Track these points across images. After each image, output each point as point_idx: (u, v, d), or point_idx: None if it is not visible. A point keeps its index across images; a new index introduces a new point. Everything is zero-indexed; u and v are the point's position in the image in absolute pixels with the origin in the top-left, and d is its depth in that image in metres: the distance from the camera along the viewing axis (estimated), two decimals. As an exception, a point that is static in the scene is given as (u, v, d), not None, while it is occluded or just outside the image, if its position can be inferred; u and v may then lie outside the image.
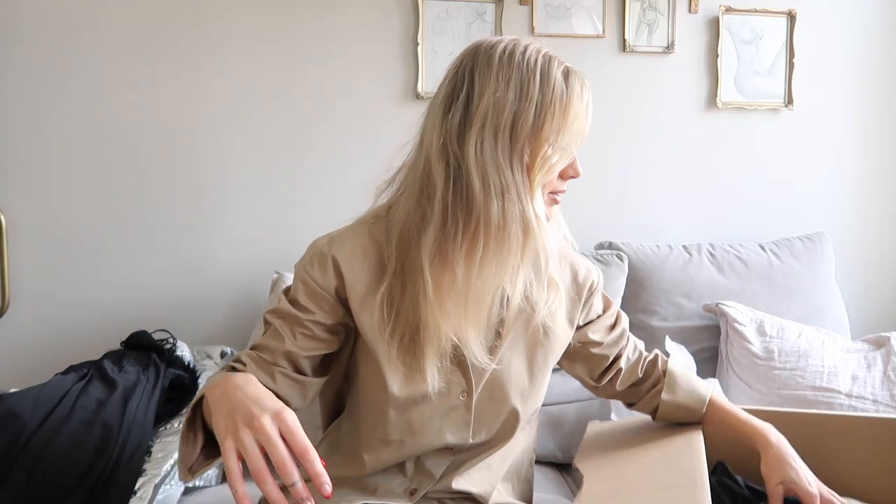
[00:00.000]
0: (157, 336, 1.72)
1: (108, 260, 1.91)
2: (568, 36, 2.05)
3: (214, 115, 1.93)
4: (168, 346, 1.68)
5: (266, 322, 0.99)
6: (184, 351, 1.68)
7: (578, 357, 1.14)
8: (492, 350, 1.00)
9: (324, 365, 1.02)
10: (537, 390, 1.06)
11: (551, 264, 0.97)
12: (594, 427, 1.14)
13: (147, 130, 1.91)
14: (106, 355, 1.63)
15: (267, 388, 0.84)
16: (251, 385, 0.80)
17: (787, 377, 1.78)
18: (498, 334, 1.01)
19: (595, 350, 1.13)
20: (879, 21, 2.23)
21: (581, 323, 1.12)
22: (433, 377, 0.94)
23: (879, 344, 1.85)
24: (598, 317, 1.14)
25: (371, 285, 0.96)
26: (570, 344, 1.11)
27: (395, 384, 0.96)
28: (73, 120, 1.87)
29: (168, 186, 1.92)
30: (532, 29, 2.03)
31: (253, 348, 0.97)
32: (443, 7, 1.99)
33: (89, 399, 1.44)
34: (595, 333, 1.13)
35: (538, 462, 1.74)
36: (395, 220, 0.95)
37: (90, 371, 1.53)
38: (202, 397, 0.85)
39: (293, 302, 0.98)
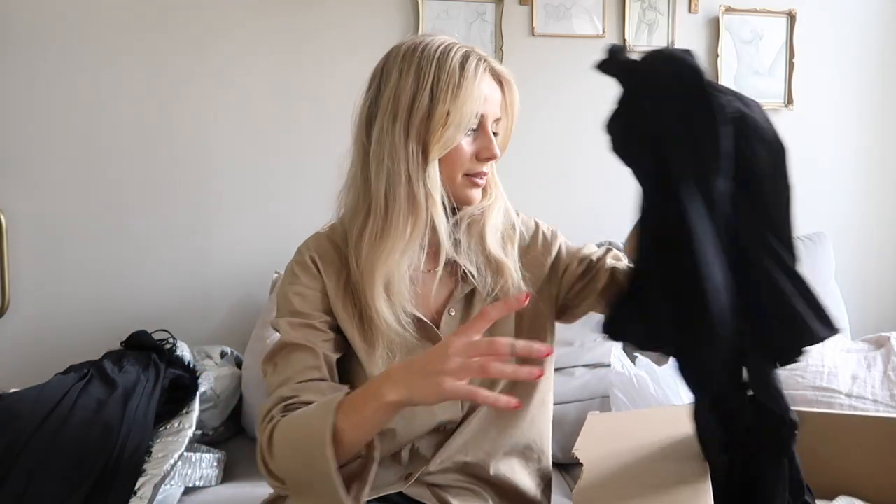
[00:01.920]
0: (157, 336, 1.72)
1: (108, 260, 1.91)
2: (568, 36, 2.05)
3: (215, 116, 1.93)
4: (168, 346, 1.68)
5: (273, 360, 0.97)
6: (184, 351, 1.68)
7: (582, 295, 1.11)
8: (465, 322, 1.03)
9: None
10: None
11: (489, 244, 1.02)
12: (594, 417, 1.14)
13: (147, 131, 1.91)
14: (106, 355, 1.62)
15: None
16: (404, 363, 0.83)
17: (787, 377, 1.78)
18: (468, 306, 1.04)
19: (582, 273, 1.12)
20: (879, 21, 2.23)
21: (561, 271, 1.11)
22: (401, 357, 0.97)
23: (879, 344, 1.85)
24: (566, 251, 1.15)
25: (338, 282, 1.00)
26: (560, 297, 1.11)
27: (377, 371, 0.97)
28: (74, 120, 1.87)
29: (168, 187, 1.92)
30: (532, 29, 2.03)
31: (282, 384, 0.93)
32: (443, 7, 1.99)
33: (89, 399, 1.44)
34: (574, 266, 1.12)
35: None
36: (345, 218, 1.03)
37: (90, 371, 1.53)
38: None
39: (295, 314, 0.98)
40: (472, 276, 1.02)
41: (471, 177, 1.00)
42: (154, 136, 1.91)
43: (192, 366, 1.64)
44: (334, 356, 0.98)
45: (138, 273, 1.92)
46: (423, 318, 1.00)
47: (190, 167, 1.93)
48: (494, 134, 1.01)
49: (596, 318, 1.01)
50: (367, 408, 0.82)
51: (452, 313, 1.04)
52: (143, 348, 1.66)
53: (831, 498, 1.12)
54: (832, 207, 2.25)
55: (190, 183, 1.93)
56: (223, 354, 1.82)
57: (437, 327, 1.02)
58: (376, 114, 0.97)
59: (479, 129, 0.99)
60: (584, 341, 1.86)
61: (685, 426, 0.96)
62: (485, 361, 0.78)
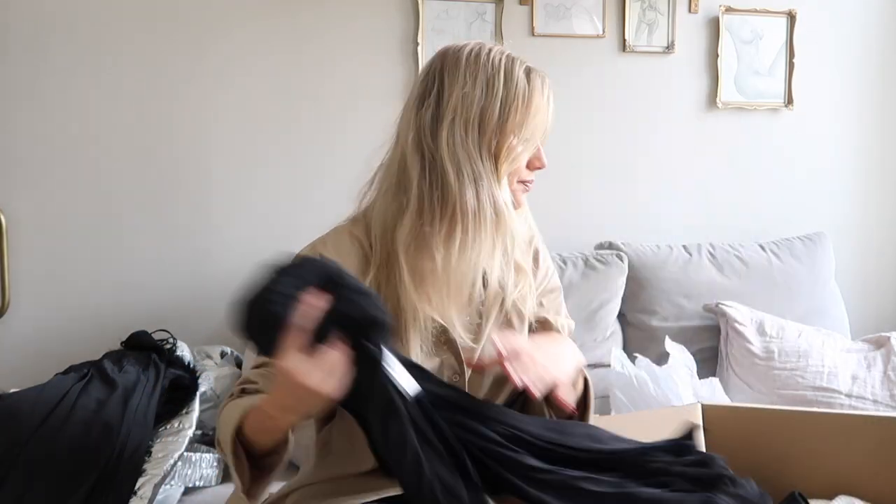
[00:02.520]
0: (157, 336, 1.72)
1: (108, 260, 1.90)
2: (568, 36, 2.05)
3: (215, 116, 1.93)
4: (168, 346, 1.68)
5: None
6: (184, 351, 1.68)
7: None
8: (476, 330, 1.03)
9: None
10: None
11: (517, 250, 1.03)
12: (594, 421, 1.14)
13: (147, 131, 1.91)
14: (106, 355, 1.62)
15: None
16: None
17: (787, 377, 1.78)
18: (479, 315, 1.04)
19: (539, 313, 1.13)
20: (879, 21, 2.23)
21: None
22: (417, 359, 0.96)
23: (879, 344, 1.85)
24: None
25: (357, 275, 0.99)
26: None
27: None
28: (73, 120, 1.87)
29: (169, 187, 1.92)
30: (532, 29, 2.03)
31: (257, 367, 0.99)
32: (443, 7, 1.99)
33: (89, 399, 1.44)
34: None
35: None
36: (375, 215, 1.01)
37: (90, 371, 1.53)
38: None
39: None
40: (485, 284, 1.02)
41: (521, 183, 1.02)
42: (154, 136, 1.91)
43: (192, 366, 1.64)
44: None
45: (138, 273, 1.92)
46: (458, 336, 1.00)
47: (190, 167, 1.93)
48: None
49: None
50: (266, 421, 0.85)
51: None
52: (143, 348, 1.66)
53: (831, 498, 1.11)
54: (832, 207, 2.25)
55: (190, 183, 1.93)
56: (223, 354, 1.82)
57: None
58: (441, 118, 0.96)
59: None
60: (584, 341, 1.86)
61: (686, 426, 0.96)
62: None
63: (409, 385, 0.82)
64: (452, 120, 0.95)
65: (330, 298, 0.79)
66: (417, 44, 1.98)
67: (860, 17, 2.22)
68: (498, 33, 2.00)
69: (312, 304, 0.78)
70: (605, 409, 1.72)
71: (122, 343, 1.71)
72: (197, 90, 1.92)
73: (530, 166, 1.02)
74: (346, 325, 0.79)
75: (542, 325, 1.10)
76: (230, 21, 1.92)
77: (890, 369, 1.77)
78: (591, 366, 1.86)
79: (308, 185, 1.96)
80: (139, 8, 1.88)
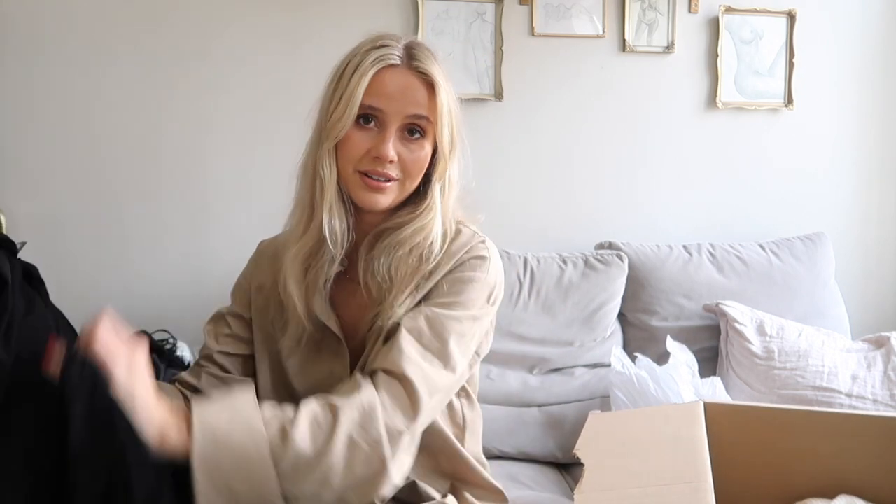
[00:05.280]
0: (157, 336, 1.72)
1: (108, 260, 1.90)
2: (568, 36, 2.05)
3: (214, 116, 1.93)
4: (168, 346, 1.68)
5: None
6: (184, 351, 1.68)
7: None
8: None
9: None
10: None
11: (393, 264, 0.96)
12: (595, 417, 1.14)
13: (147, 131, 1.91)
14: (106, 355, 1.62)
15: (193, 386, 1.05)
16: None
17: (787, 377, 1.78)
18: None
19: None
20: (879, 21, 2.23)
21: None
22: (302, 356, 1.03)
23: (879, 344, 1.85)
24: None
25: (268, 277, 1.14)
26: None
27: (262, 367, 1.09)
28: (73, 120, 1.87)
29: (168, 187, 1.92)
30: (532, 29, 2.03)
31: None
32: (443, 7, 1.99)
33: (89, 399, 1.43)
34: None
35: (538, 461, 1.74)
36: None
37: (90, 371, 1.53)
38: None
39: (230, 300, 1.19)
40: (370, 294, 0.98)
41: (363, 175, 0.96)
42: (154, 135, 1.91)
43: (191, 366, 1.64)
44: (216, 348, 1.09)
45: (138, 273, 1.92)
46: (335, 330, 1.01)
47: (190, 167, 1.93)
48: (417, 134, 0.96)
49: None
50: None
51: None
52: (143, 348, 1.66)
53: (831, 497, 1.12)
54: (832, 207, 2.25)
55: (190, 183, 1.93)
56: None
57: (363, 343, 1.00)
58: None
59: (379, 125, 0.95)
60: (584, 341, 1.86)
61: (686, 425, 0.96)
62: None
63: None
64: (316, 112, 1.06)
65: None
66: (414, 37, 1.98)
67: (860, 17, 2.22)
68: (498, 33, 2.01)
69: None
70: (605, 409, 1.72)
71: (122, 343, 1.71)
72: (197, 90, 1.92)
73: (371, 154, 0.95)
74: None
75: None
76: (230, 21, 1.92)
77: (890, 369, 1.77)
78: (592, 366, 1.86)
79: (308, 185, 1.96)
80: (139, 8, 1.88)
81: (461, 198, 1.05)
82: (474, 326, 0.97)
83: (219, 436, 0.79)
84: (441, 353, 0.92)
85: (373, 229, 1.01)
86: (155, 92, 1.90)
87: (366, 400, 0.85)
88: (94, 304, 1.90)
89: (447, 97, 0.95)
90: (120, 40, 1.88)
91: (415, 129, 0.96)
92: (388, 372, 0.89)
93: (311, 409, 0.85)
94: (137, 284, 1.92)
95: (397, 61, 0.95)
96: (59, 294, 1.89)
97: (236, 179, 1.95)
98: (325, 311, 1.01)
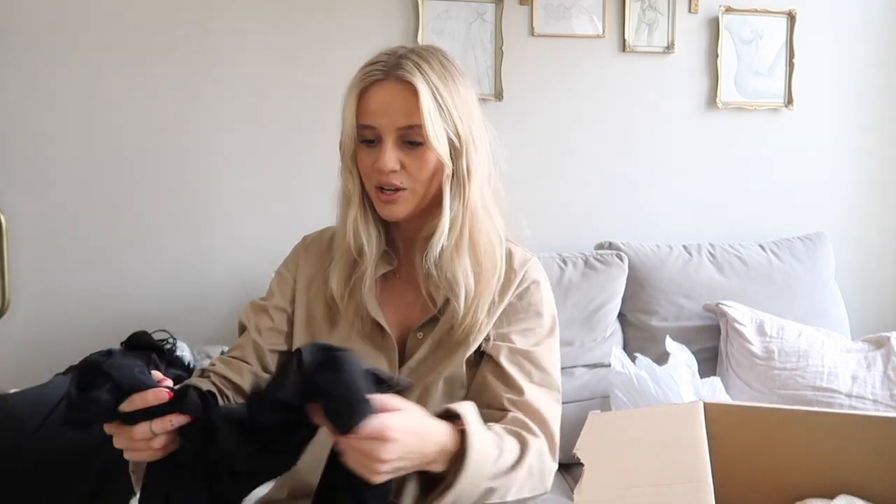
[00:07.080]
0: (157, 336, 1.71)
1: (108, 260, 1.90)
2: (568, 36, 2.05)
3: (214, 116, 1.93)
4: (168, 346, 1.68)
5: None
6: (184, 351, 1.68)
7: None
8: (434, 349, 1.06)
9: None
10: None
11: (457, 268, 0.99)
12: (595, 417, 1.14)
13: (147, 131, 1.91)
14: (106, 355, 1.62)
15: (235, 383, 1.01)
16: None
17: (787, 377, 1.78)
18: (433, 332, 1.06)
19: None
20: (879, 21, 2.23)
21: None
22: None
23: (879, 344, 1.85)
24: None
25: (315, 272, 1.12)
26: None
27: None
28: (73, 120, 1.87)
29: (168, 186, 1.92)
30: (532, 29, 2.03)
31: (227, 352, 1.07)
32: (443, 7, 1.99)
33: (89, 399, 1.43)
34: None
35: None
36: None
37: (90, 371, 1.53)
38: None
39: (267, 295, 1.14)
40: (432, 300, 1.00)
41: (377, 189, 0.99)
42: (154, 135, 1.91)
43: (192, 366, 1.64)
44: (266, 343, 1.05)
45: (138, 273, 1.92)
46: (382, 323, 1.02)
47: (190, 167, 1.93)
48: (417, 144, 0.96)
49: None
50: None
51: (420, 336, 1.03)
52: (143, 348, 1.64)
53: (831, 497, 1.11)
54: (832, 207, 2.25)
55: (190, 183, 1.93)
56: (223, 354, 1.81)
57: (405, 342, 1.02)
58: None
59: (379, 140, 0.97)
60: (584, 341, 1.86)
61: (686, 425, 0.96)
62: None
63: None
64: None
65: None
66: (417, 44, 1.98)
67: (860, 17, 2.22)
68: (498, 33, 2.01)
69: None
70: (605, 409, 1.72)
71: (121, 343, 1.70)
72: (196, 89, 1.92)
73: (374, 167, 0.99)
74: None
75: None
76: (230, 21, 1.92)
77: (890, 369, 1.77)
78: (592, 366, 1.86)
79: (309, 185, 1.96)
80: (139, 8, 1.88)
81: (498, 195, 1.08)
82: (556, 342, 1.09)
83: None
84: (552, 385, 1.05)
85: (418, 233, 1.02)
86: (155, 92, 1.90)
87: (534, 443, 0.97)
88: (94, 303, 1.90)
89: (430, 102, 0.94)
90: (121, 41, 1.88)
91: (411, 138, 0.96)
92: (529, 413, 1.00)
93: (504, 430, 0.94)
94: (137, 284, 1.92)
95: (380, 75, 0.96)
96: (60, 294, 1.89)
97: (237, 179, 1.95)
98: (374, 307, 1.03)
